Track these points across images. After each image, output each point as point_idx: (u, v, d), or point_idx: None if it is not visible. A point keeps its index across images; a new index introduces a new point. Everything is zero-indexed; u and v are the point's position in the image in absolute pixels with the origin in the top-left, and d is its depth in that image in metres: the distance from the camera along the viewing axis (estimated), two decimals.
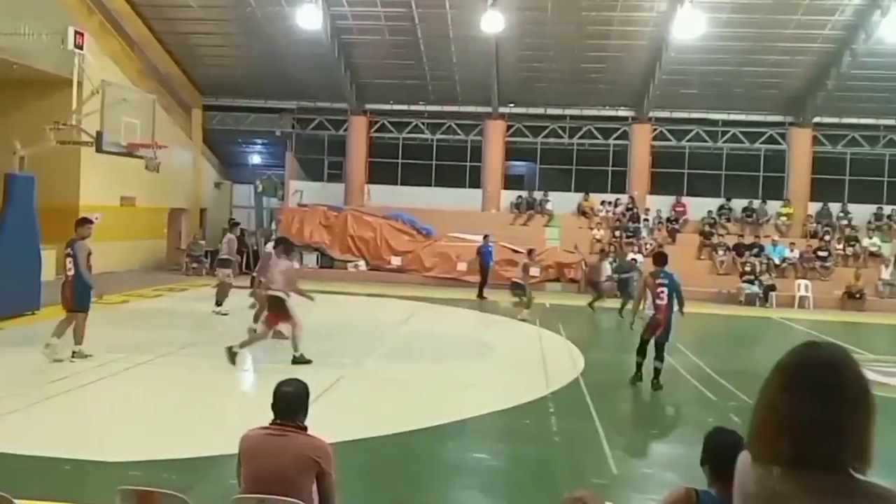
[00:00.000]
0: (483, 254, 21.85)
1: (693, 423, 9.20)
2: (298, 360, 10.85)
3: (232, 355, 10.65)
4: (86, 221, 11.21)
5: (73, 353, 10.61)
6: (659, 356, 10.75)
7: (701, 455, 3.48)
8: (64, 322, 10.76)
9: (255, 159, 33.26)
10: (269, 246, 13.97)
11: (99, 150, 14.37)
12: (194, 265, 24.34)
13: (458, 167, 28.88)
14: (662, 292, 10.60)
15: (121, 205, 22.77)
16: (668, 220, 26.76)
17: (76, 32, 15.27)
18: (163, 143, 16.12)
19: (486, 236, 22.38)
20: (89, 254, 10.78)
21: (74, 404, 8.98)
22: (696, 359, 13.36)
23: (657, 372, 10.68)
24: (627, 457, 8.03)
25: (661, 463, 8.03)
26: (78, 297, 10.67)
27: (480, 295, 21.04)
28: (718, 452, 3.41)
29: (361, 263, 24.98)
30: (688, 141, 27.78)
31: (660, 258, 11.25)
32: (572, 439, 8.34)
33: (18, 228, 13.99)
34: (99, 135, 14.19)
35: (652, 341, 10.76)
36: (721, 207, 27.05)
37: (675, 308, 10.78)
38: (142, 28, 24.57)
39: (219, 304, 15.62)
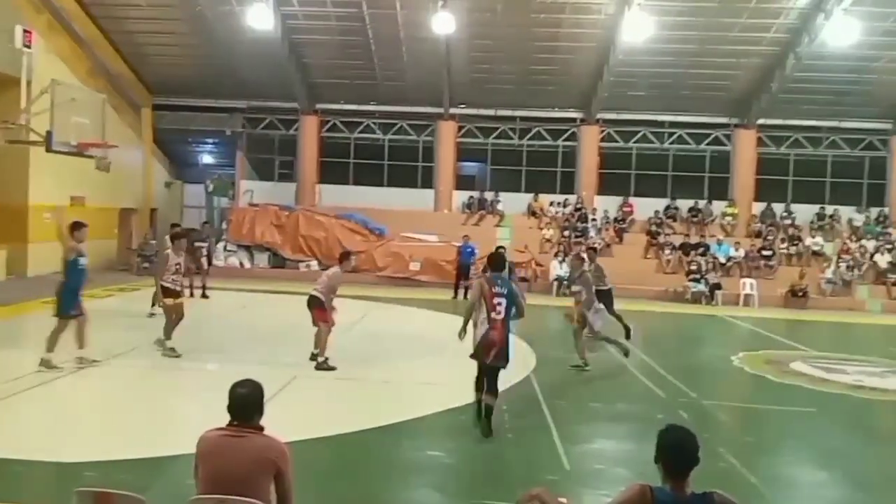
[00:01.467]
0: (462, 253, 22.13)
1: (643, 420, 9.39)
2: (321, 366, 11.15)
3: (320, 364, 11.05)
4: (81, 225, 10.79)
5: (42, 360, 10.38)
6: (491, 388, 8.42)
7: (655, 452, 3.60)
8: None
9: (206, 159, 32.94)
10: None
11: (48, 149, 14.22)
12: (145, 265, 24.02)
13: (410, 167, 28.98)
14: (500, 304, 8.25)
15: (71, 205, 22.38)
16: (616, 219, 27.22)
17: (24, 31, 15.07)
18: (113, 142, 15.98)
19: (465, 237, 22.81)
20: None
21: (26, 406, 8.90)
22: (644, 356, 13.69)
23: (488, 411, 8.35)
24: (579, 453, 8.17)
25: (612, 459, 8.20)
26: None
27: (456, 295, 21.22)
28: (672, 449, 3.57)
29: (314, 263, 24.92)
30: (635, 142, 28.26)
31: (497, 261, 8.90)
32: (525, 436, 8.52)
33: None
34: (48, 134, 14.05)
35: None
36: (667, 207, 27.57)
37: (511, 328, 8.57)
38: (91, 27, 24.16)
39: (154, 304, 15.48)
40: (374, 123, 28.55)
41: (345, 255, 12.18)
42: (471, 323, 8.54)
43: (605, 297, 13.53)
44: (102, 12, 24.13)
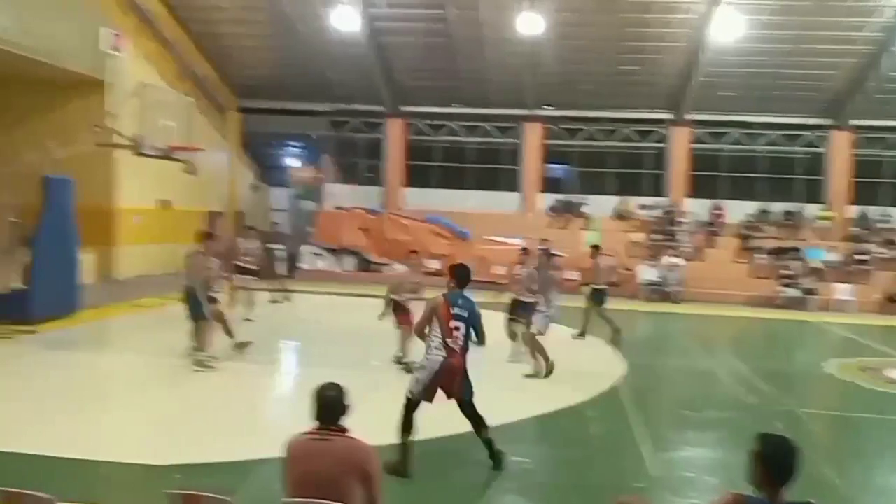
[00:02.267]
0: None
1: (734, 427, 9.10)
2: (405, 367, 10.83)
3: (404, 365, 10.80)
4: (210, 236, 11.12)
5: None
6: (479, 421, 7.13)
7: (749, 460, 3.49)
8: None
9: (292, 162, 33.33)
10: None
11: (137, 153, 14.44)
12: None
13: (494, 170, 28.69)
14: (457, 329, 6.82)
15: (158, 208, 22.87)
16: (707, 223, 26.40)
17: (112, 34, 15.37)
18: (200, 146, 16.18)
19: (544, 240, 22.09)
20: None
21: (117, 408, 9.00)
22: (736, 362, 13.19)
23: (490, 444, 7.15)
24: (668, 460, 7.92)
25: (702, 467, 7.95)
26: None
27: None
28: (773, 459, 3.46)
29: (399, 266, 24.90)
30: (725, 143, 27.40)
31: (460, 274, 7.16)
32: (612, 443, 8.32)
33: (56, 232, 13.98)
34: (137, 137, 14.27)
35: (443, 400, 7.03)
36: (759, 211, 26.61)
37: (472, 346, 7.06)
38: (177, 29, 24.62)
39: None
40: (459, 125, 28.42)
41: (409, 254, 12.00)
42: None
43: (599, 295, 14.48)
44: (189, 15, 24.58)
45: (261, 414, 9.16)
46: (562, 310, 11.97)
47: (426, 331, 6.97)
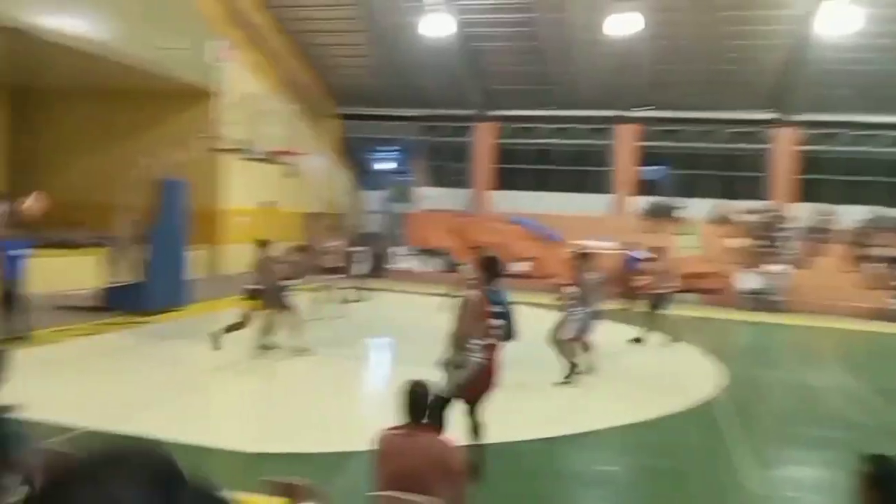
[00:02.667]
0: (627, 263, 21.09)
1: (843, 447, 8.48)
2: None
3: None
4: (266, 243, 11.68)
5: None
6: (476, 427, 6.47)
7: (859, 482, 3.27)
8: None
9: (386, 166, 33.87)
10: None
11: (242, 157, 15.05)
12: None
13: (585, 172, 28.45)
14: (496, 327, 6.43)
15: (262, 209, 23.75)
16: (814, 228, 25.35)
17: (220, 46, 16.10)
18: (301, 150, 16.68)
19: (631, 243, 21.67)
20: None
21: (217, 397, 9.41)
22: (845, 376, 12.63)
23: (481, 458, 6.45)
24: (771, 478, 7.62)
25: (808, 487, 7.62)
26: None
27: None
28: (885, 481, 3.24)
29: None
30: (835, 145, 26.29)
31: (492, 266, 6.74)
32: (709, 456, 8.03)
33: (170, 230, 14.95)
34: (242, 143, 14.86)
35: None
36: (873, 216, 25.34)
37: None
38: (281, 40, 25.54)
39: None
40: (549, 128, 28.31)
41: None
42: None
43: (658, 299, 14.41)
44: (292, 26, 25.44)
45: (351, 408, 9.37)
46: (599, 314, 11.48)
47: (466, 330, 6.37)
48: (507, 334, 6.53)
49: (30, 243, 11.91)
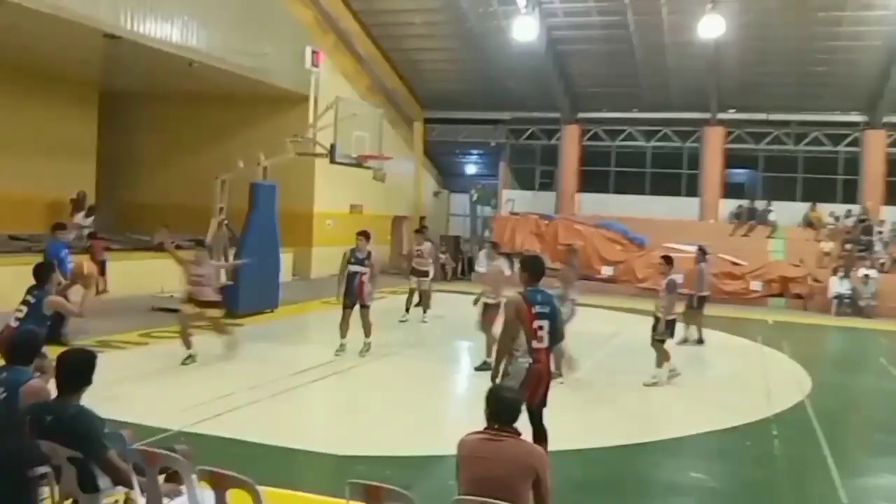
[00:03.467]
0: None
1: None
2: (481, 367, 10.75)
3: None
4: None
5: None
6: (539, 432, 6.32)
7: None
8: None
9: (471, 169, 34.14)
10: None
11: (332, 161, 15.40)
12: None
13: (672, 175, 28.00)
14: (541, 328, 6.25)
15: (350, 212, 24.27)
16: None
17: (313, 52, 16.56)
18: (388, 154, 16.97)
19: (701, 248, 21.13)
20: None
21: (307, 398, 9.71)
22: None
23: None
24: (860, 487, 7.46)
25: None
26: None
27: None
28: None
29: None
30: None
31: (534, 267, 6.60)
32: (798, 465, 7.90)
33: (262, 232, 15.30)
34: (332, 147, 15.20)
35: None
36: None
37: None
38: (370, 46, 26.06)
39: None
40: (637, 131, 28.01)
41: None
42: None
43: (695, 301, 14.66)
44: (381, 32, 25.92)
45: (439, 411, 9.53)
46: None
47: (515, 337, 6.26)
48: (554, 336, 6.37)
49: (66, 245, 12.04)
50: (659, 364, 11.06)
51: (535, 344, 6.20)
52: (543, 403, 6.39)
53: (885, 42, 22.25)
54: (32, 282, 7.58)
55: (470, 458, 4.14)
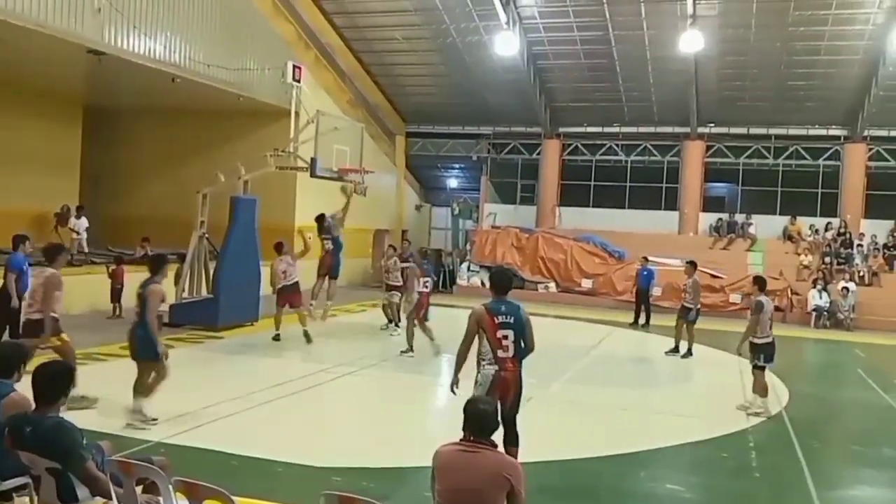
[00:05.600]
0: (640, 277, 20.17)
1: None
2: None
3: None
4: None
5: None
6: (513, 437, 6.69)
7: None
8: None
9: (452, 183, 34.30)
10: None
11: (313, 174, 15.42)
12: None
13: (652, 189, 28.29)
14: (505, 338, 6.54)
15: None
16: (886, 246, 24.71)
17: (294, 66, 16.62)
18: (370, 168, 17.01)
19: (644, 258, 20.89)
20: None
21: (285, 410, 9.69)
22: None
23: None
24: (837, 499, 7.55)
25: None
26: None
27: (636, 322, 19.71)
28: None
29: (552, 285, 25.12)
30: None
31: (500, 281, 6.96)
32: (775, 476, 7.95)
33: (242, 246, 15.28)
34: (313, 161, 15.22)
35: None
36: None
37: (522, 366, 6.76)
38: (352, 60, 26.21)
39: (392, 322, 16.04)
40: (617, 145, 28.26)
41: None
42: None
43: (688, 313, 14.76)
44: (363, 46, 26.07)
45: (416, 423, 9.53)
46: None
47: (469, 349, 6.65)
48: (522, 347, 6.60)
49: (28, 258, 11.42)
50: (755, 390, 10.39)
51: (500, 353, 6.50)
52: (515, 409, 6.65)
53: (865, 56, 22.63)
54: None
55: (445, 468, 4.15)
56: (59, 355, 8.17)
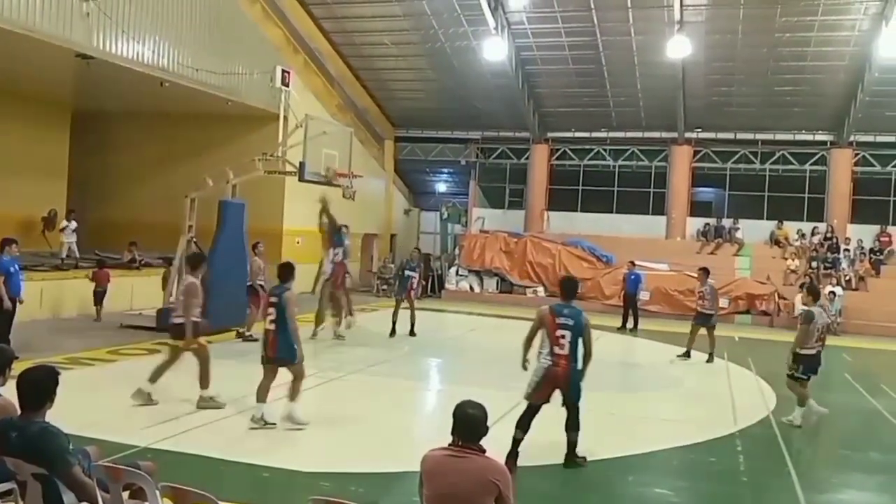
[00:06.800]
0: (627, 281, 20.25)
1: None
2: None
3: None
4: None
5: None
6: (572, 423, 7.63)
7: None
8: None
9: (441, 187, 34.35)
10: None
11: (301, 179, 15.40)
12: (384, 287, 25.47)
13: (641, 194, 28.42)
14: (563, 337, 7.36)
15: (319, 230, 24.14)
16: (872, 250, 24.90)
17: (283, 71, 16.60)
18: (358, 172, 17.00)
19: (630, 263, 20.89)
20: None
21: (272, 415, 9.66)
22: None
23: (572, 447, 7.66)
24: (825, 503, 7.58)
25: None
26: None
27: (623, 326, 19.81)
28: None
29: (540, 289, 25.16)
30: (893, 166, 25.80)
31: (567, 287, 8.06)
32: (762, 480, 7.96)
33: (229, 250, 15.25)
34: (301, 165, 15.21)
35: (547, 404, 7.65)
36: None
37: (579, 363, 7.49)
38: (341, 65, 26.22)
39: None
40: (605, 150, 28.37)
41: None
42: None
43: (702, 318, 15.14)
44: (352, 51, 26.10)
45: (403, 428, 9.50)
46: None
47: (533, 340, 7.66)
48: (582, 350, 7.41)
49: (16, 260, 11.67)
50: (800, 403, 10.16)
51: (556, 350, 7.41)
52: (573, 398, 7.57)
53: (851, 62, 22.82)
54: None
55: (433, 473, 4.14)
56: (196, 357, 9.43)
